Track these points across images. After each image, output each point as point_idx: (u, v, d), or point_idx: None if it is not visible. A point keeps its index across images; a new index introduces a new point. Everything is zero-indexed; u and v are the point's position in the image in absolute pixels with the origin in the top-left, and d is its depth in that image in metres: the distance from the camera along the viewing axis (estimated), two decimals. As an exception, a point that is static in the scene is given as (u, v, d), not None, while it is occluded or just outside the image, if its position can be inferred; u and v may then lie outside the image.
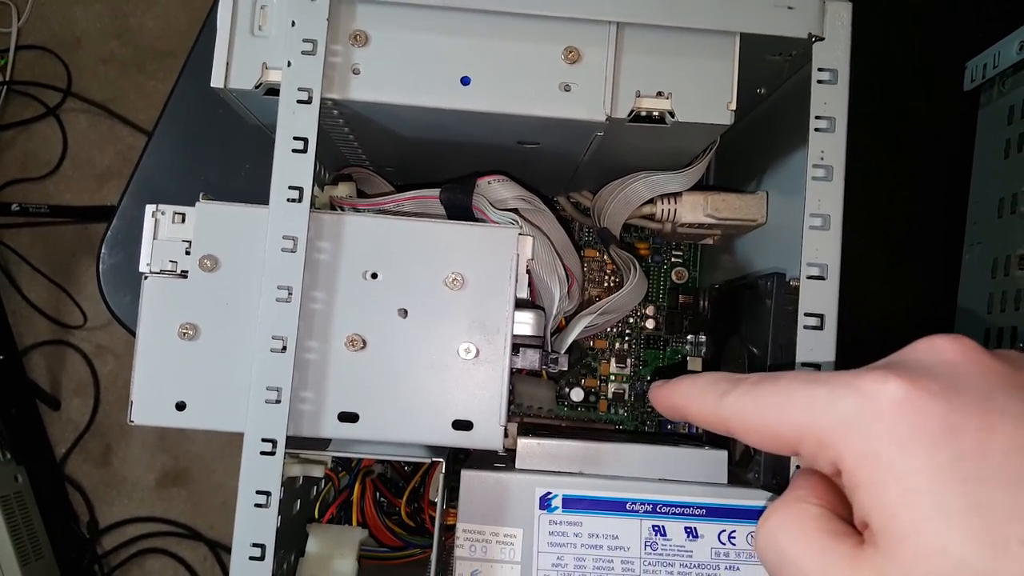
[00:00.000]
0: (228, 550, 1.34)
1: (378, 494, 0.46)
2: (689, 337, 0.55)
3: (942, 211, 0.64)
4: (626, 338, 0.56)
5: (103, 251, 0.58)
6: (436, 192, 0.42)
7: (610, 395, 0.56)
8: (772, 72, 0.42)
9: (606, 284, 0.56)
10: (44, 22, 1.45)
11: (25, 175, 1.42)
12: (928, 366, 0.23)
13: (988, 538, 0.20)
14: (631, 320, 0.56)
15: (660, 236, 0.54)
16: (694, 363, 0.55)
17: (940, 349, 0.24)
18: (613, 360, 0.56)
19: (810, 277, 0.35)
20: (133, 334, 0.59)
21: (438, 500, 0.37)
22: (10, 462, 1.26)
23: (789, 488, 0.26)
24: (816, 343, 0.35)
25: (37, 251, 1.39)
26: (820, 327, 0.35)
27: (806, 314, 0.35)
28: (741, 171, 0.48)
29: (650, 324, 0.56)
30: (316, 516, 0.44)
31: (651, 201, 0.45)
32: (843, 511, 0.25)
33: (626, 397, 0.56)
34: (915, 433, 0.22)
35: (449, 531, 0.46)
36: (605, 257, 0.56)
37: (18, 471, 1.27)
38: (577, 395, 0.55)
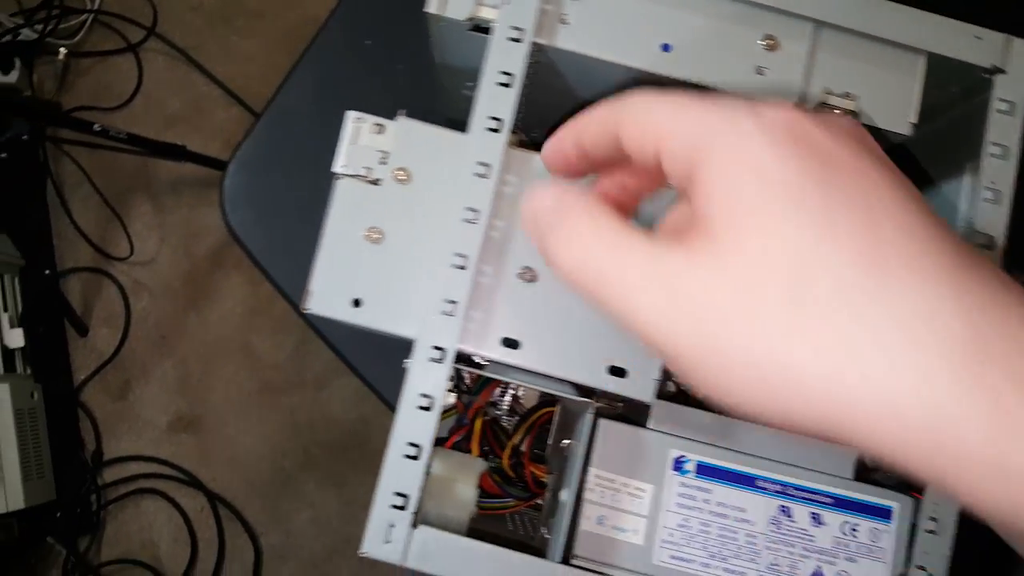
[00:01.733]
0: (226, 504, 1.34)
1: (486, 441, 0.47)
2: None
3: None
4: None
5: (230, 168, 0.59)
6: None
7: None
8: (938, 100, 0.43)
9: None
10: (140, -41, 1.48)
11: (95, 104, 1.43)
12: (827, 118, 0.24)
13: (829, 229, 0.21)
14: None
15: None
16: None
17: (840, 117, 0.26)
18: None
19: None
20: (250, 254, 0.60)
21: (581, 442, 0.38)
22: (29, 378, 1.27)
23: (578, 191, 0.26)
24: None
25: (95, 177, 1.40)
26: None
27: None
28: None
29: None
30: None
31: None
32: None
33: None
34: (793, 142, 0.23)
35: (544, 487, 0.47)
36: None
37: (35, 388, 1.27)
38: (670, 386, 0.56)
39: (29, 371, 1.27)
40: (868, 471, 0.40)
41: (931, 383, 0.20)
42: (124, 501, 1.36)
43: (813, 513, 0.38)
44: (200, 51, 1.45)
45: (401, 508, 0.35)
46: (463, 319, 0.35)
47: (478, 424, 0.44)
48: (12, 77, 1.36)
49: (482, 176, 0.36)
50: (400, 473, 0.34)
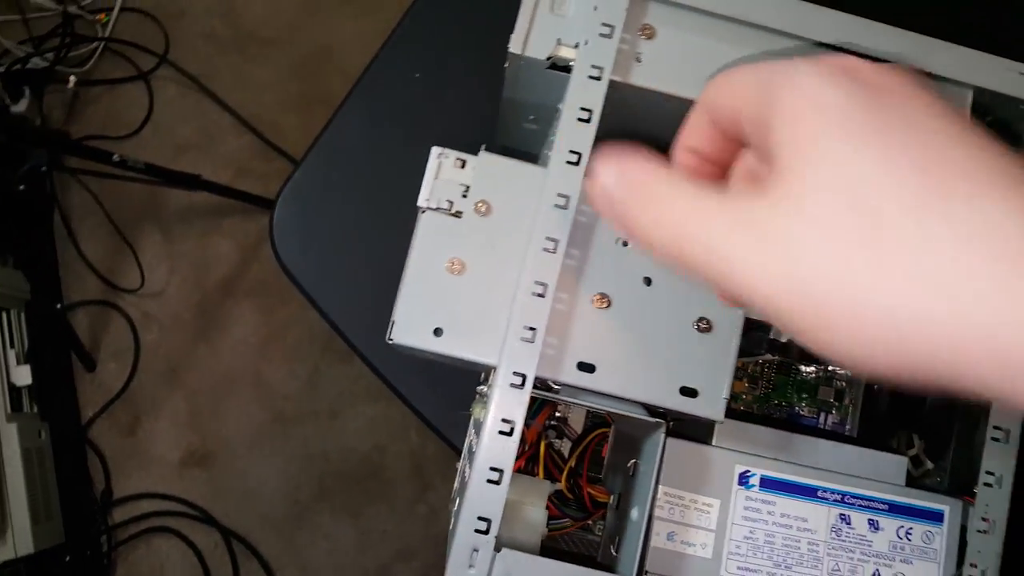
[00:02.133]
0: (241, 540, 1.34)
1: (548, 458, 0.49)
2: (810, 368, 0.59)
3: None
4: (760, 361, 0.60)
5: (281, 197, 0.61)
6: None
7: (739, 413, 0.59)
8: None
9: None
10: (151, -13, 1.49)
11: (104, 132, 1.44)
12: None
13: (893, 160, 0.21)
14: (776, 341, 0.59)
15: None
16: (825, 392, 0.58)
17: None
18: (746, 380, 0.59)
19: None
20: (299, 285, 0.62)
21: (652, 462, 0.40)
22: (36, 416, 1.23)
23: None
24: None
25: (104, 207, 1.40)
26: None
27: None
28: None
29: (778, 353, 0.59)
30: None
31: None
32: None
33: (754, 412, 0.59)
34: (854, 85, 0.23)
35: (599, 507, 0.48)
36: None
37: (42, 427, 1.24)
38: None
39: (36, 409, 1.25)
40: (921, 477, 0.43)
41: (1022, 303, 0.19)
42: (136, 541, 1.35)
43: (870, 519, 0.40)
44: (212, 79, 1.47)
45: (484, 532, 0.36)
46: (541, 345, 0.37)
47: (543, 447, 0.46)
48: (22, 106, 1.37)
49: (561, 207, 0.38)
50: (483, 497, 0.36)
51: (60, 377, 1.36)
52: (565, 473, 0.49)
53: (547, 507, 0.46)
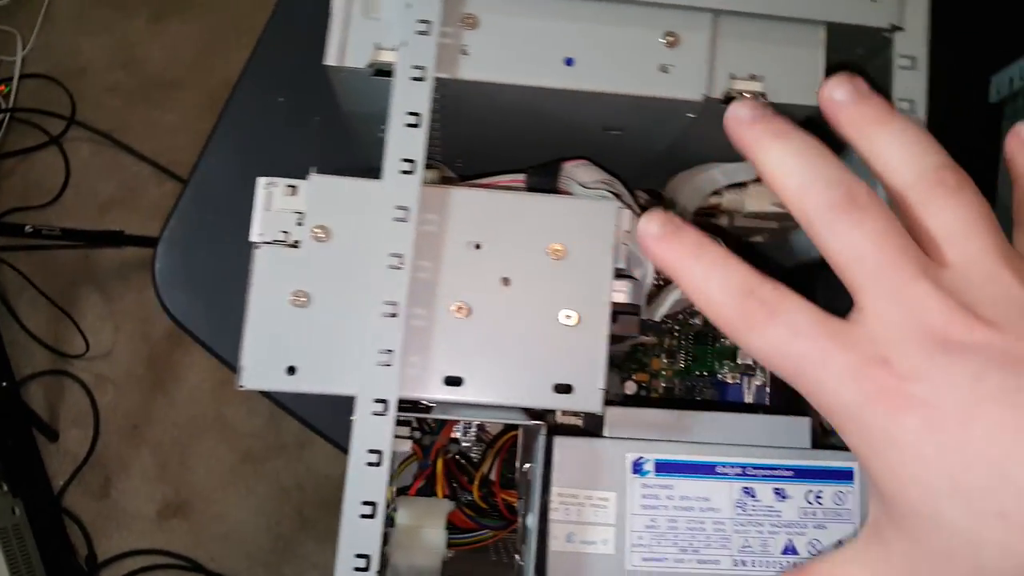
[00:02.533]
0: (229, 583, 1.33)
1: (452, 477, 0.47)
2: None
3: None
4: (675, 334, 0.58)
5: (158, 251, 0.59)
6: (522, 176, 0.44)
7: (661, 390, 0.58)
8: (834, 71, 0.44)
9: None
10: (49, 51, 1.47)
11: (26, 203, 1.42)
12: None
13: None
14: (680, 317, 0.58)
15: (714, 232, 0.56)
16: (744, 355, 0.57)
17: None
18: (664, 356, 0.58)
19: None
20: (193, 335, 0.60)
21: (537, 465, 0.38)
22: (7, 494, 1.24)
23: None
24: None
25: (37, 279, 1.38)
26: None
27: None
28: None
29: (698, 320, 0.58)
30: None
31: (718, 192, 0.47)
32: None
33: (676, 392, 0.58)
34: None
35: (515, 513, 0.47)
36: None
37: (15, 503, 1.25)
38: (630, 388, 0.57)
39: (5, 487, 1.25)
40: (826, 436, 0.41)
41: None
42: (127, 600, 1.34)
43: (776, 489, 0.39)
44: (124, 132, 1.45)
45: (364, 570, 0.34)
46: (401, 366, 0.35)
47: (440, 465, 0.44)
48: (-64, 191, 1.35)
49: (401, 220, 0.36)
50: (358, 534, 0.34)
51: (25, 453, 1.35)
52: (477, 481, 0.48)
53: (455, 523, 0.45)
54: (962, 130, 0.68)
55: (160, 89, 1.46)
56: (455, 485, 0.49)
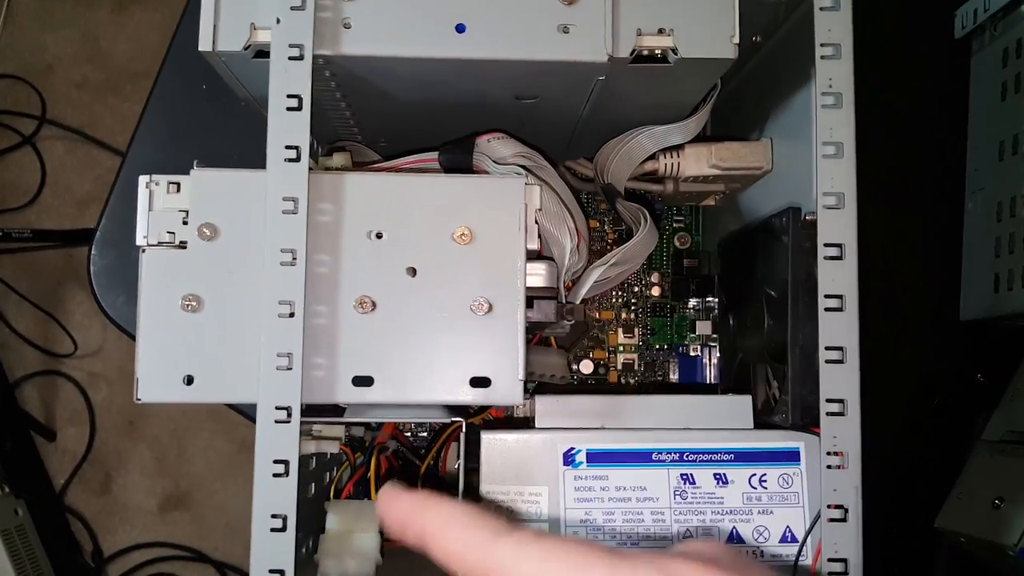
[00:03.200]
0: (236, 570, 1.33)
1: (393, 471, 0.45)
2: (693, 302, 0.54)
3: (939, 162, 0.63)
4: (632, 307, 0.55)
5: (93, 252, 0.57)
6: (434, 155, 0.41)
7: (619, 366, 0.55)
8: (767, 18, 0.41)
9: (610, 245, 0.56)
10: (13, 50, 1.44)
11: (4, 206, 1.40)
12: (707, 556, 0.26)
13: None
14: (636, 289, 0.55)
15: (661, 199, 0.53)
16: (703, 326, 0.54)
17: (710, 548, 0.28)
18: (620, 331, 0.55)
19: (827, 207, 0.34)
20: (130, 336, 0.58)
21: (459, 463, 0.36)
22: (9, 496, 1.24)
23: None
24: (838, 274, 0.34)
25: (22, 281, 1.37)
26: (841, 256, 0.34)
27: (826, 244, 0.34)
28: (739, 123, 0.47)
29: (655, 292, 0.55)
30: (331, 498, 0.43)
31: (653, 157, 0.44)
32: None
33: (636, 367, 0.55)
34: None
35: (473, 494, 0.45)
36: (606, 225, 0.55)
37: (18, 504, 1.25)
38: (587, 367, 0.54)
39: (7, 489, 1.25)
40: (770, 414, 0.39)
41: None
42: (135, 593, 1.34)
43: (716, 474, 0.36)
44: (96, 126, 1.42)
45: (278, 585, 0.32)
46: (302, 369, 0.33)
47: (372, 464, 0.42)
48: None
49: (291, 212, 0.34)
50: (270, 549, 0.32)
51: (24, 453, 1.35)
52: (422, 473, 0.46)
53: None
54: (927, 70, 0.64)
55: (128, 80, 1.43)
56: (396, 478, 0.46)
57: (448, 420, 0.35)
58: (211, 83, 0.57)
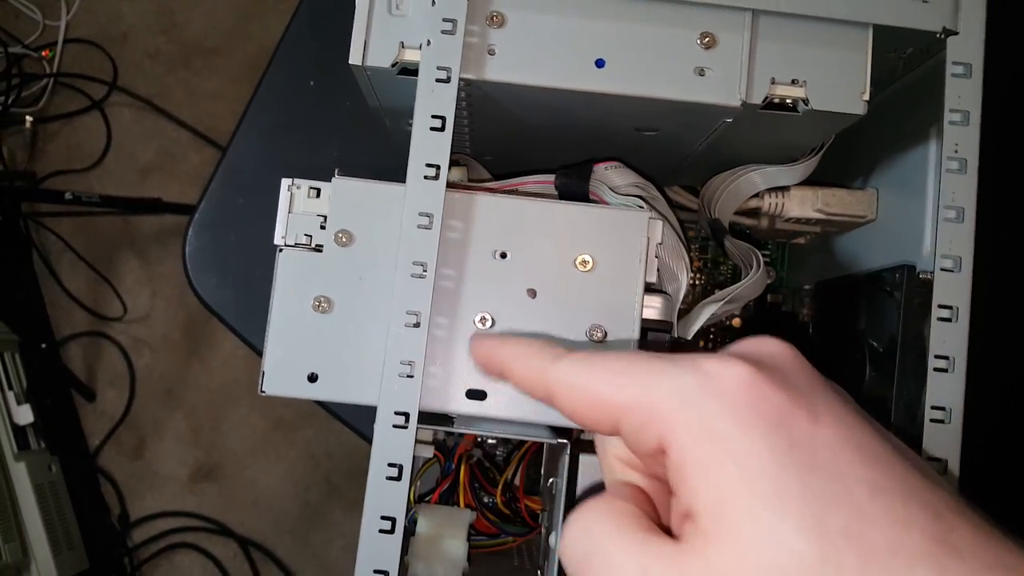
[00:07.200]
0: (258, 547, 1.35)
1: (475, 481, 0.46)
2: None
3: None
4: (711, 337, 0.56)
5: (189, 234, 0.58)
6: (551, 177, 0.42)
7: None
8: (885, 69, 0.42)
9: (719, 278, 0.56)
10: (92, 16, 1.47)
11: (68, 167, 1.43)
12: (763, 358, 0.24)
13: (818, 528, 0.20)
14: (711, 330, 0.56)
15: (754, 233, 0.54)
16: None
17: (771, 346, 0.25)
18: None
19: (944, 270, 0.35)
20: (218, 316, 0.59)
21: (561, 482, 0.37)
22: (44, 452, 1.27)
23: (604, 492, 0.26)
24: (949, 335, 0.35)
25: (78, 242, 1.40)
26: (953, 319, 0.35)
27: (940, 306, 0.35)
28: (843, 169, 0.48)
29: (736, 323, 0.56)
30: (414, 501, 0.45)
31: (758, 195, 0.45)
32: (658, 519, 0.25)
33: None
34: (756, 415, 0.22)
35: (537, 519, 0.46)
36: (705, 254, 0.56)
37: (52, 461, 1.28)
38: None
39: (43, 445, 1.28)
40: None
41: None
42: (157, 559, 1.37)
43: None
44: (164, 97, 1.45)
45: (381, 587, 0.34)
46: (422, 378, 0.34)
47: (463, 472, 0.43)
48: (-19, 153, 1.36)
49: (425, 227, 0.35)
50: (377, 549, 0.33)
51: (63, 411, 1.38)
52: (500, 486, 0.47)
53: (478, 527, 0.44)
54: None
55: (200, 55, 1.46)
56: (476, 486, 0.48)
57: (554, 441, 0.37)
58: (319, 80, 0.58)
